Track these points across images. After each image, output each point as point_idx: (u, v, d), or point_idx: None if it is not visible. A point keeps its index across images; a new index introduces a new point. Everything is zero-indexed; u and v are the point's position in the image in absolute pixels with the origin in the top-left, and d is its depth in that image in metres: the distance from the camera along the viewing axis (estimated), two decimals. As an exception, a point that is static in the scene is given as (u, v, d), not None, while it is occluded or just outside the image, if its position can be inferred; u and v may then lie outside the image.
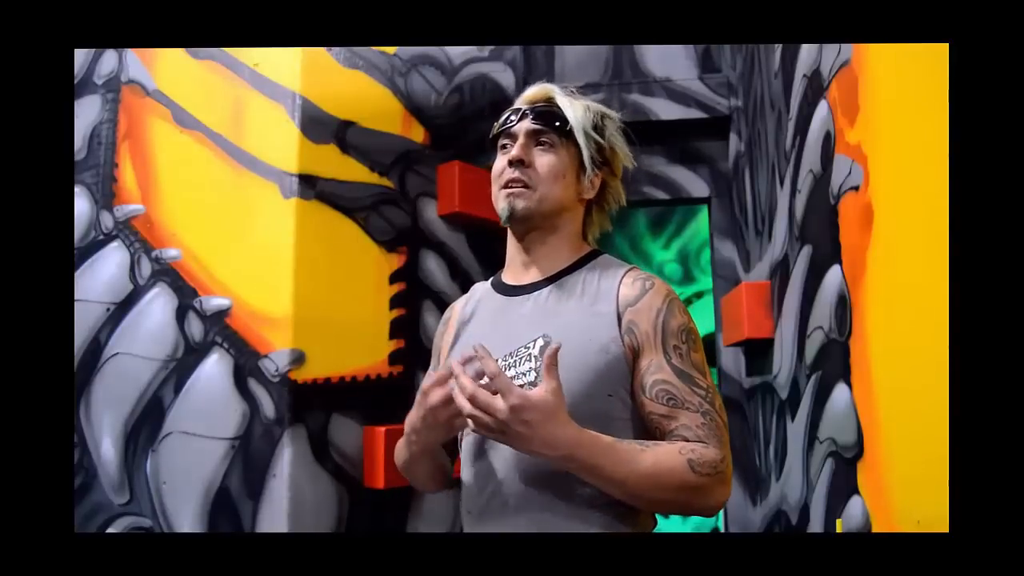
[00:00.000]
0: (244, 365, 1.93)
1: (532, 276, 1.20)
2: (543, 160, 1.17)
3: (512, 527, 1.07)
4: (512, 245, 1.23)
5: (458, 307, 1.31)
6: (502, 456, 1.10)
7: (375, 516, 1.96)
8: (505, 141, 1.21)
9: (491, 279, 1.29)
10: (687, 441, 1.05)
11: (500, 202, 1.18)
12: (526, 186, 1.16)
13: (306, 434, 1.90)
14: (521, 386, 1.05)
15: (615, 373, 1.08)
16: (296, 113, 1.99)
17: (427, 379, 1.08)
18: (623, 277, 1.15)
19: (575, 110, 1.18)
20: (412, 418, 1.12)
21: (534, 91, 1.23)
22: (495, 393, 0.96)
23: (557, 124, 1.17)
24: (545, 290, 1.17)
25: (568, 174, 1.18)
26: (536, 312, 1.15)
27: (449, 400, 1.04)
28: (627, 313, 1.10)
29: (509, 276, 1.24)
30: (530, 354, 1.11)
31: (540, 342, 1.11)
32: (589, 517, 1.05)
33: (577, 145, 1.18)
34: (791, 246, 1.74)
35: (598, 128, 1.19)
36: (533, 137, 1.18)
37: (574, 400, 1.04)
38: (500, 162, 1.20)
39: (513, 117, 1.20)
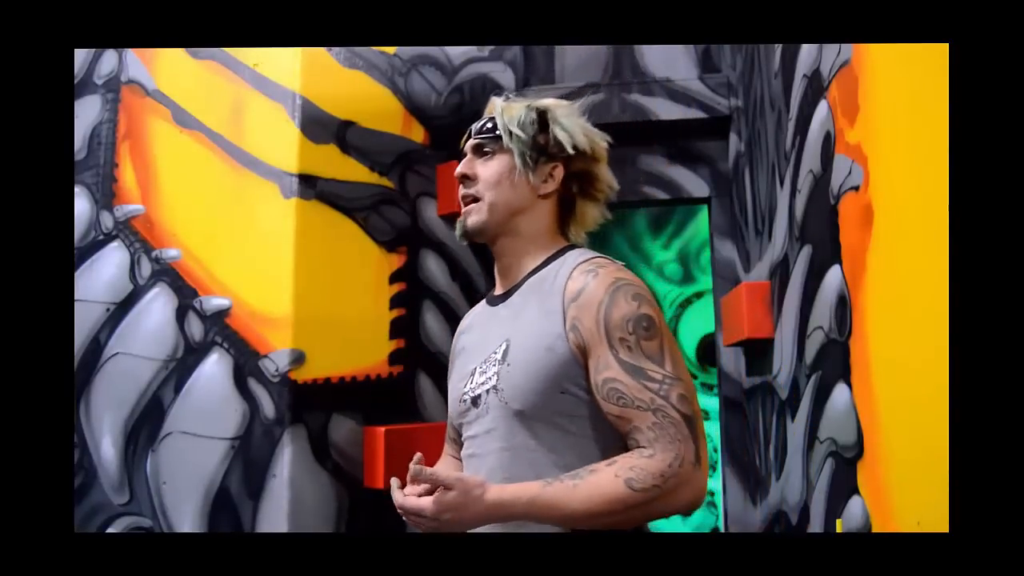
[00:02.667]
0: (244, 365, 1.93)
1: (508, 283, 1.21)
2: (483, 169, 1.19)
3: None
4: (493, 256, 1.25)
5: (462, 324, 1.34)
6: (485, 465, 1.13)
7: (375, 516, 1.96)
8: None
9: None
10: (639, 447, 1.03)
11: (458, 223, 1.21)
12: (475, 199, 1.18)
13: (306, 434, 1.90)
14: (488, 391, 1.12)
15: (564, 371, 1.07)
16: (296, 113, 1.99)
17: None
18: (573, 270, 1.12)
19: (506, 112, 1.19)
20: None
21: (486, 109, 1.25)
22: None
23: (491, 133, 1.19)
24: (514, 295, 1.19)
25: (510, 175, 1.18)
26: (505, 317, 1.18)
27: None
28: (571, 309, 1.08)
29: (496, 287, 1.26)
30: (495, 359, 1.13)
31: (503, 346, 1.13)
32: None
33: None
34: (791, 246, 1.74)
35: (531, 122, 1.18)
36: (477, 152, 1.20)
37: (528, 399, 1.08)
38: None
39: (465, 140, 1.24)
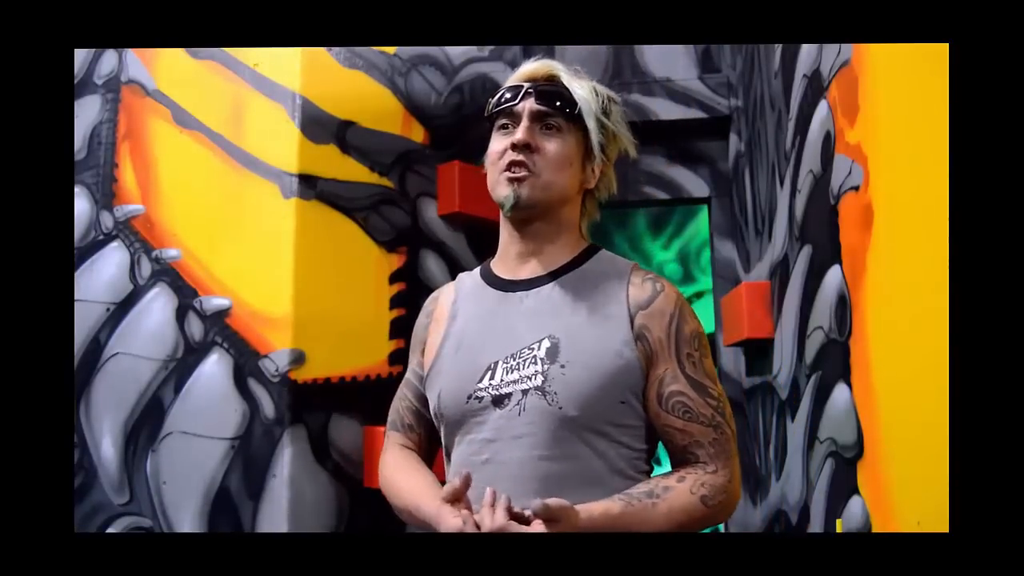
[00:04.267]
0: (244, 365, 1.92)
1: (531, 270, 1.11)
2: (550, 145, 1.07)
3: None
4: (507, 235, 1.14)
5: (443, 299, 1.21)
6: (509, 473, 1.04)
7: (375, 516, 1.96)
8: (505, 121, 1.10)
9: (479, 270, 1.20)
10: (698, 462, 1.05)
11: (502, 188, 1.07)
12: (530, 171, 1.06)
13: (306, 434, 1.90)
14: (525, 391, 1.03)
15: (628, 379, 1.04)
16: (296, 113, 1.99)
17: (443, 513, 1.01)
18: (630, 276, 1.10)
19: (584, 92, 1.09)
20: (422, 517, 1.08)
21: (534, 67, 1.11)
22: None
23: (563, 106, 1.07)
24: (547, 287, 1.09)
25: (575, 162, 1.09)
26: (539, 310, 1.07)
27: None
28: (639, 317, 1.05)
29: (502, 268, 1.14)
30: (535, 356, 1.04)
31: (546, 343, 1.04)
32: None
33: (583, 130, 1.09)
34: (791, 246, 1.74)
35: (606, 113, 1.11)
36: (538, 119, 1.07)
37: (589, 406, 1.01)
38: (500, 143, 1.09)
39: (509, 95, 1.09)
